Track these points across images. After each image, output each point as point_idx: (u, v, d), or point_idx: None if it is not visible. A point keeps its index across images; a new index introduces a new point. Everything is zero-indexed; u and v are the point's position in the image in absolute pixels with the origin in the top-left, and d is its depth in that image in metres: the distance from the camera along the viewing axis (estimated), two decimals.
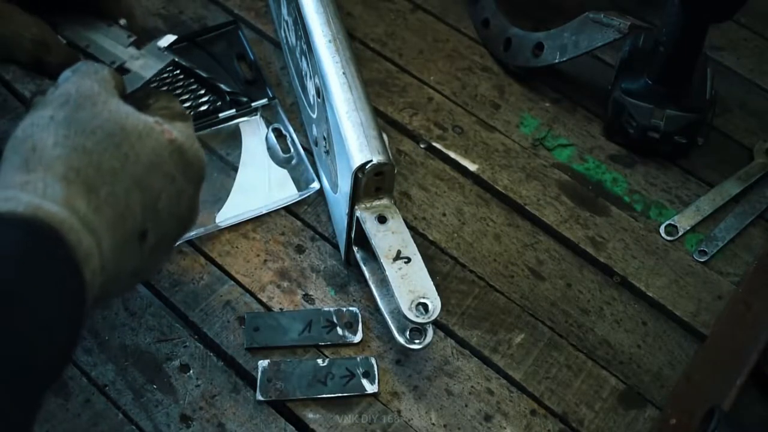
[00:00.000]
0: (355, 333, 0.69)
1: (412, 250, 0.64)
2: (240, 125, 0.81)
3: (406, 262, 0.64)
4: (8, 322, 0.42)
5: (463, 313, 0.71)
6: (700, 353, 0.69)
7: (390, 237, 0.65)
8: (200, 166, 0.56)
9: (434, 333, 0.66)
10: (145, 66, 0.65)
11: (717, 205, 0.78)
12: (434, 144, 0.82)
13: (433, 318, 0.61)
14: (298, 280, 0.72)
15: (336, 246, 0.74)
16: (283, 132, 0.80)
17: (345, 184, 0.66)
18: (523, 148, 0.82)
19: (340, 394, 0.66)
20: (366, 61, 0.87)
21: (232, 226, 0.75)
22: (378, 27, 0.90)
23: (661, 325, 0.72)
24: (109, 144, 0.49)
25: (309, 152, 0.79)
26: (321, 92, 0.70)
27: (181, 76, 0.82)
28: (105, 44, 0.65)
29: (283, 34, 0.85)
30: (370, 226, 0.65)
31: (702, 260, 0.75)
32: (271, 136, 0.80)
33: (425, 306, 0.62)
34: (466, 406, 0.67)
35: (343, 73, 0.68)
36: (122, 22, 0.66)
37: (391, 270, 0.63)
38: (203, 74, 0.82)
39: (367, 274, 0.69)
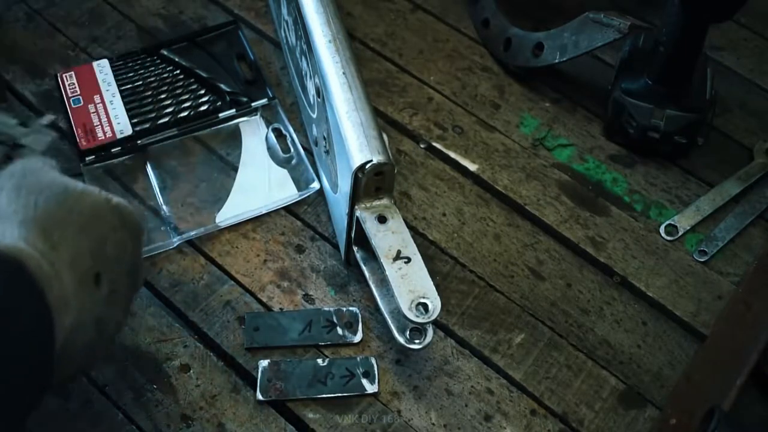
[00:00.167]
0: (355, 333, 0.69)
1: (412, 250, 0.64)
2: (240, 125, 0.81)
3: (406, 262, 0.63)
4: None
5: (463, 313, 0.71)
6: (700, 353, 0.69)
7: (390, 237, 0.65)
8: (138, 223, 0.60)
9: (434, 333, 0.66)
10: (35, 141, 0.74)
11: (717, 205, 0.78)
12: (434, 144, 0.82)
13: (433, 318, 0.61)
14: (298, 280, 0.72)
15: (336, 246, 0.74)
16: (283, 132, 0.80)
17: (345, 184, 0.66)
18: (523, 148, 0.82)
19: (340, 394, 0.66)
20: (366, 61, 0.87)
21: (232, 226, 0.75)
22: (378, 27, 0.90)
23: (661, 325, 0.72)
24: (56, 199, 0.54)
25: (309, 152, 0.79)
26: (321, 92, 0.70)
27: (181, 76, 0.82)
28: None
29: (283, 34, 0.85)
30: (370, 226, 0.65)
31: (702, 260, 0.75)
32: (271, 136, 0.80)
33: (425, 306, 0.62)
34: (466, 405, 0.66)
35: (343, 73, 0.68)
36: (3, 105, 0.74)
37: (391, 270, 0.63)
38: (203, 74, 0.82)
39: (367, 274, 0.69)
